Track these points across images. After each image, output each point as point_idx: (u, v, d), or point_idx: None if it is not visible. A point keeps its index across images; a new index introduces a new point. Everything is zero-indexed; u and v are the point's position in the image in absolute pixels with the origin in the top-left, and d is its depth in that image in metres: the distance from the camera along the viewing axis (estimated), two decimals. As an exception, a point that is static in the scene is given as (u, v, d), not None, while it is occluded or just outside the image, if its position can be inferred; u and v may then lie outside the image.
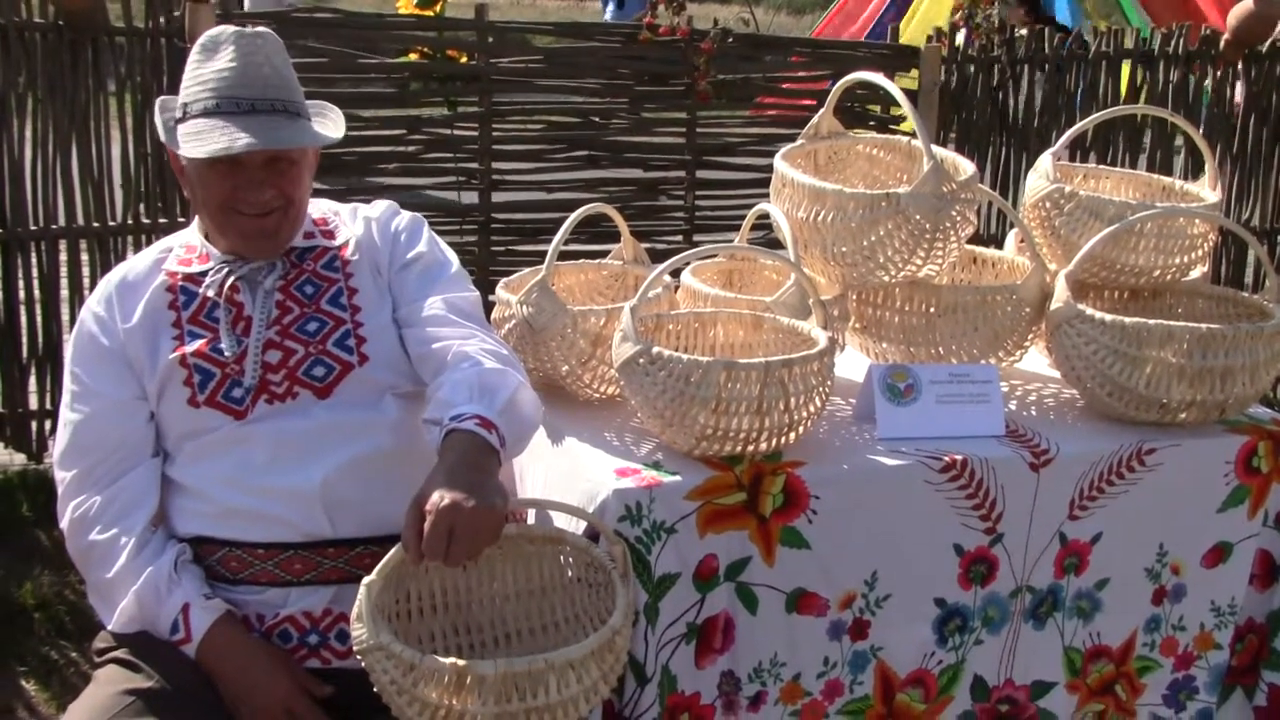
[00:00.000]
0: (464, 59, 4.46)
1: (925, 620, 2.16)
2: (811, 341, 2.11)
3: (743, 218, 4.93)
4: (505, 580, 1.85)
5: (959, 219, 2.21)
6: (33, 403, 4.20)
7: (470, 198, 4.59)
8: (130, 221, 4.15)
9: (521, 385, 1.83)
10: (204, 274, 1.94)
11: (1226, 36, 5.27)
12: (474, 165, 4.53)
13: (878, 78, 2.30)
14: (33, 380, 4.19)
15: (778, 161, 2.35)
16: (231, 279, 1.92)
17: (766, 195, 5.26)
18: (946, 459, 2.09)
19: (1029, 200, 2.43)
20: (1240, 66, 5.34)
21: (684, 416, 1.93)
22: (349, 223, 2.04)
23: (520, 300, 2.16)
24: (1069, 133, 2.43)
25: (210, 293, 1.91)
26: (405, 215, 2.08)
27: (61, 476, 1.91)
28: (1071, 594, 2.24)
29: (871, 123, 4.97)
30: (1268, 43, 5.34)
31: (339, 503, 1.84)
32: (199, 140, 1.83)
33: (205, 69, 1.87)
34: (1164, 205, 2.34)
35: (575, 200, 4.73)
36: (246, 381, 1.87)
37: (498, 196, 4.61)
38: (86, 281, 4.16)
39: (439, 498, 1.57)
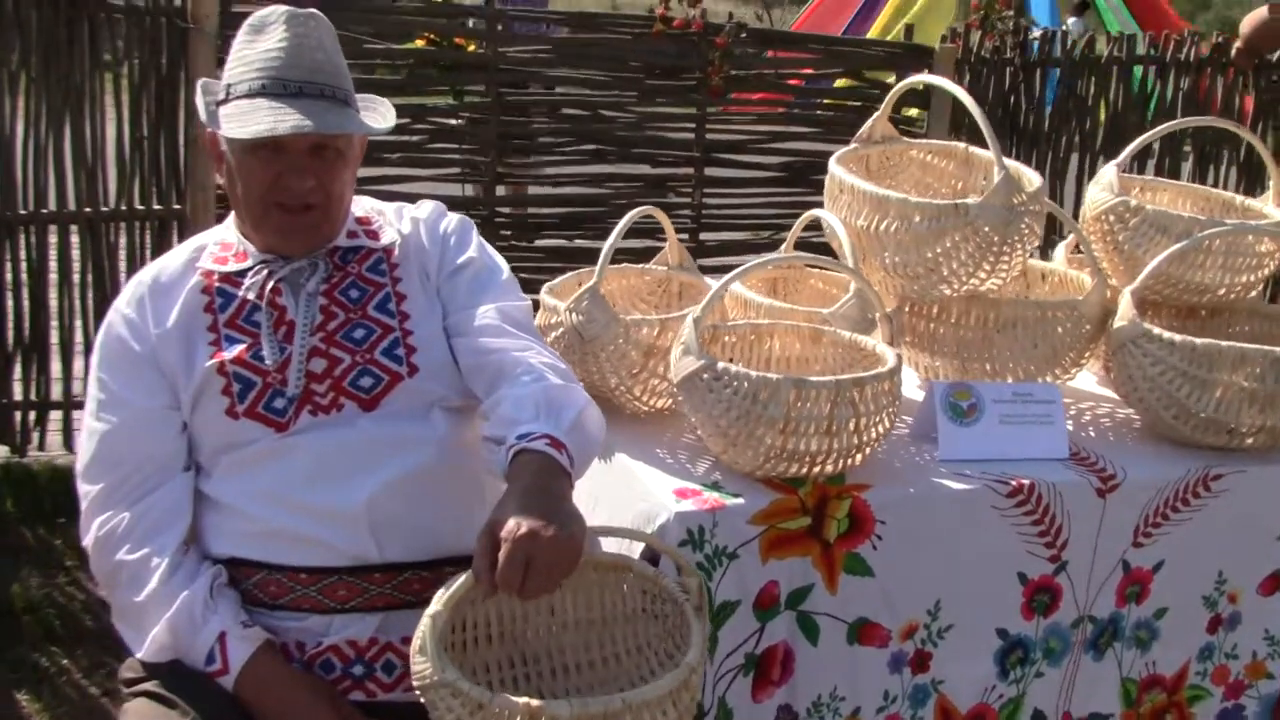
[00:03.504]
0: (472, 48, 4.33)
1: (987, 652, 2.08)
2: (875, 357, 2.02)
3: (751, 216, 4.88)
4: (564, 609, 1.74)
5: (1027, 232, 2.12)
6: (17, 393, 4.04)
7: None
8: (124, 207, 3.99)
9: (589, 403, 1.72)
10: (242, 274, 1.81)
11: (1238, 44, 5.22)
12: (479, 157, 4.40)
13: (944, 82, 2.21)
14: (18, 370, 4.03)
15: (834, 166, 2.25)
16: (273, 281, 1.79)
17: (774, 195, 5.18)
18: (1014, 483, 2.00)
19: (1090, 212, 2.35)
20: (1251, 75, 5.30)
21: (750, 436, 1.83)
22: (394, 223, 1.92)
23: (569, 308, 2.04)
24: (1134, 144, 2.35)
25: (250, 295, 1.78)
26: (453, 217, 1.96)
27: (86, 490, 1.77)
28: (1131, 624, 2.17)
29: (883, 122, 4.87)
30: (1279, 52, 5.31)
31: (385, 524, 1.72)
32: (241, 121, 1.70)
33: (252, 49, 1.75)
34: (1233, 222, 2.26)
35: (580, 195, 4.63)
36: (289, 391, 1.74)
37: (502, 190, 4.49)
38: (76, 268, 4.01)
39: (515, 525, 1.45)
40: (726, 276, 1.92)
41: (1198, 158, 5.41)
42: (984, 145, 2.35)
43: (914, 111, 4.87)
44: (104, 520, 1.74)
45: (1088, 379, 2.50)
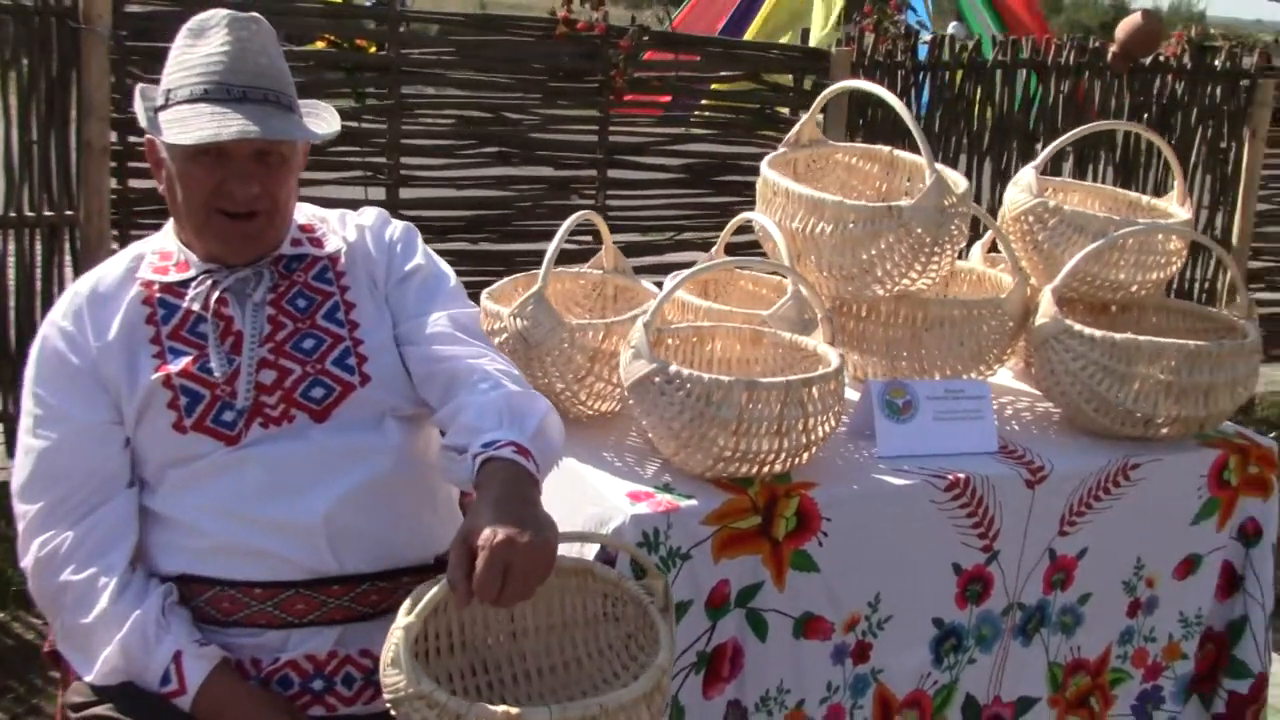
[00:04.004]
0: (373, 49, 4.27)
1: (923, 641, 2.14)
2: (816, 357, 2.06)
3: (654, 218, 4.91)
4: (524, 615, 1.74)
5: (956, 233, 2.19)
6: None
7: (376, 194, 4.40)
8: (13, 214, 3.84)
9: (550, 409, 1.71)
10: (184, 284, 1.76)
11: (1114, 49, 5.44)
12: (381, 160, 4.35)
13: (875, 87, 2.26)
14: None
15: (768, 170, 2.28)
16: (218, 291, 1.75)
17: (676, 196, 5.20)
18: (950, 478, 2.06)
19: (1010, 213, 2.42)
20: (1125, 78, 5.53)
21: (702, 438, 1.86)
22: (338, 230, 1.89)
23: (514, 313, 2.04)
24: (1051, 147, 2.44)
25: (195, 306, 1.74)
26: (398, 224, 1.94)
27: (23, 510, 1.71)
28: (1057, 609, 2.25)
29: (781, 124, 4.96)
30: (1151, 56, 5.55)
31: (344, 535, 1.70)
32: (183, 127, 1.66)
33: (192, 54, 1.71)
34: (1145, 222, 2.36)
35: (484, 198, 4.61)
36: (239, 404, 1.70)
37: (405, 193, 4.44)
38: (-38, 278, 3.85)
39: (491, 533, 1.44)
40: (673, 281, 1.94)
41: (1077, 158, 5.62)
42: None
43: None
44: (45, 540, 1.68)
45: (1003, 374, 2.58)
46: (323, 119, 1.84)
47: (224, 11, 1.72)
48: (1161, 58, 5.62)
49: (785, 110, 4.99)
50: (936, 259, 2.18)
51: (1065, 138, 2.47)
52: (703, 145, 4.90)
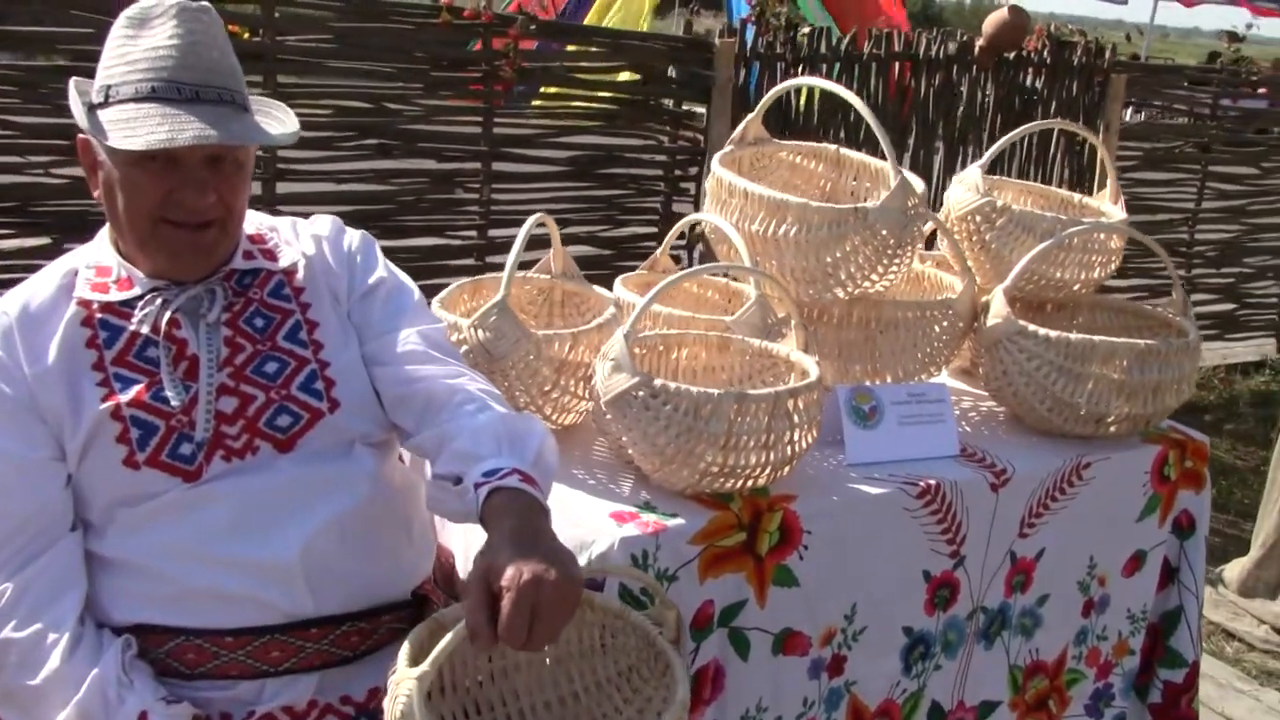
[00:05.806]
0: (247, 36, 4.03)
1: (895, 650, 2.11)
2: (787, 364, 2.00)
3: (540, 212, 4.78)
4: (515, 652, 1.62)
5: (917, 235, 2.15)
6: None
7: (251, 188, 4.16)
8: None
9: (547, 432, 1.60)
10: (128, 304, 1.59)
11: (981, 43, 5.55)
12: (257, 153, 4.10)
13: (830, 84, 2.20)
14: None
15: (722, 170, 2.20)
16: (169, 311, 1.57)
17: (562, 190, 5.07)
18: (922, 484, 2.02)
19: (956, 212, 2.40)
20: (991, 72, 5.66)
21: (689, 454, 1.77)
22: (292, 241, 1.74)
23: (475, 324, 1.91)
24: (998, 144, 2.43)
25: (144, 328, 1.56)
26: (354, 233, 1.79)
27: (-49, 560, 1.51)
28: (1018, 612, 2.25)
29: (665, 116, 4.90)
30: (1015, 51, 5.69)
31: (322, 573, 1.55)
32: (130, 129, 1.48)
33: (135, 46, 1.53)
34: (1090, 221, 2.37)
35: (365, 193, 4.41)
36: (198, 435, 1.54)
37: (282, 187, 4.21)
38: None
39: (516, 572, 1.31)
40: (651, 292, 1.84)
41: (947, 150, 5.72)
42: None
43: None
44: (-20, 593, 1.49)
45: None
46: (277, 118, 1.69)
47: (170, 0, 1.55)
48: (1024, 53, 5.76)
49: (669, 102, 4.92)
50: (898, 261, 2.14)
51: (1004, 140, 2.47)
52: (588, 138, 4.80)
